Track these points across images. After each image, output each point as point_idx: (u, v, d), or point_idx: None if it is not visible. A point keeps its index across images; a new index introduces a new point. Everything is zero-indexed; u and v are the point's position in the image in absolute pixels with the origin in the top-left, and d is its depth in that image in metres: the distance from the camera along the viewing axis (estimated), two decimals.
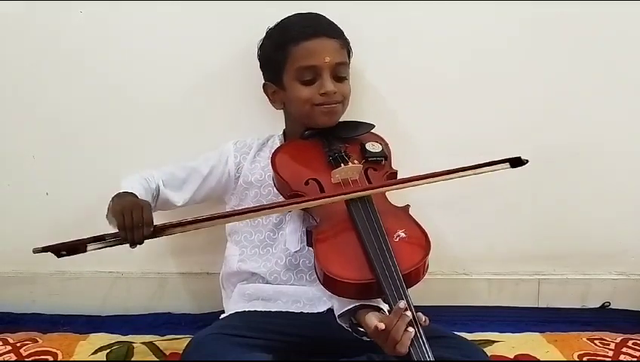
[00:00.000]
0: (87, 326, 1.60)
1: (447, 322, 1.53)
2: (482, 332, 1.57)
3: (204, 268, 1.68)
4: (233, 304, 1.42)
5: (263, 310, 1.35)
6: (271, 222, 1.42)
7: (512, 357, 1.46)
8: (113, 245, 1.18)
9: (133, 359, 1.45)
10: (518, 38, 1.59)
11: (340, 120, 1.45)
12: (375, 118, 1.48)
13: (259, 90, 1.49)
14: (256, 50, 1.48)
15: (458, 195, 1.61)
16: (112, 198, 1.30)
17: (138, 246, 1.19)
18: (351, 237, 1.24)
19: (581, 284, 1.72)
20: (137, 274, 1.69)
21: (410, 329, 1.09)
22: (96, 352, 1.46)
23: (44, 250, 1.15)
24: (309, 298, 1.36)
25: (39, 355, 1.45)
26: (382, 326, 1.11)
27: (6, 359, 1.43)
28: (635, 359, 1.46)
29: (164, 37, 1.56)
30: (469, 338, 1.40)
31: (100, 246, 1.17)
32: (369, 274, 1.18)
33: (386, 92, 1.60)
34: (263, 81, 1.48)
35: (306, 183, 1.34)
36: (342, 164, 1.34)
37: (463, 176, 1.32)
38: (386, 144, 1.47)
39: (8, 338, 1.52)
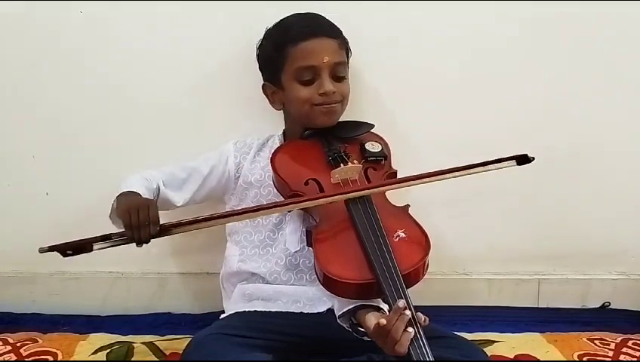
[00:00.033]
0: (87, 326, 1.60)
1: (447, 322, 1.53)
2: (482, 332, 1.57)
3: (204, 268, 1.68)
4: (233, 304, 1.42)
5: (262, 310, 1.36)
6: (271, 222, 1.42)
7: (512, 357, 1.46)
8: (119, 244, 1.18)
9: (133, 359, 1.45)
10: (518, 38, 1.59)
11: (340, 120, 1.45)
12: (375, 118, 1.48)
13: (259, 90, 1.49)
14: (255, 50, 1.48)
15: (458, 195, 1.61)
16: (117, 198, 1.30)
17: (144, 245, 1.19)
18: (350, 237, 1.24)
19: (581, 284, 1.72)
20: (137, 274, 1.69)
21: (410, 329, 1.09)
22: (96, 352, 1.46)
23: (51, 249, 1.14)
24: (309, 298, 1.36)
25: (39, 355, 1.45)
26: (383, 321, 1.11)
27: (6, 359, 1.43)
28: (635, 359, 1.46)
29: (164, 37, 1.56)
30: (469, 338, 1.40)
31: (106, 245, 1.17)
32: (368, 274, 1.18)
33: (386, 92, 1.60)
34: (262, 82, 1.48)
35: (306, 183, 1.34)
36: (341, 164, 1.34)
37: (469, 174, 1.32)
38: (386, 144, 1.47)
39: (8, 338, 1.52)
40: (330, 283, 1.20)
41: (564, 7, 1.56)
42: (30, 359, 1.43)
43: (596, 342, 1.53)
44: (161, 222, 1.20)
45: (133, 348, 1.49)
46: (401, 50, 1.58)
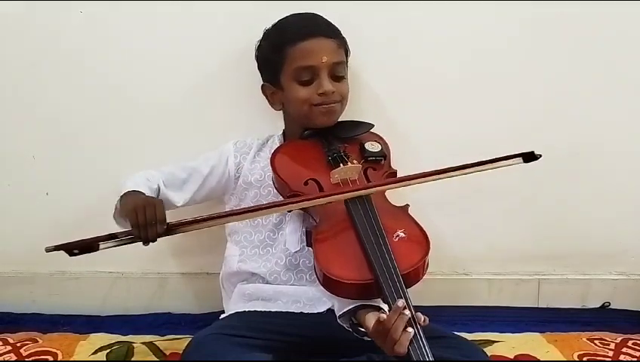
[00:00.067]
0: (87, 326, 1.60)
1: (447, 322, 1.53)
2: (482, 332, 1.57)
3: (204, 268, 1.68)
4: (233, 304, 1.42)
5: (262, 310, 1.35)
6: (271, 222, 1.42)
7: (512, 357, 1.46)
8: (126, 243, 1.18)
9: (133, 359, 1.45)
10: (518, 38, 1.59)
11: (339, 119, 1.45)
12: (375, 118, 1.48)
13: (259, 90, 1.49)
14: (254, 51, 1.48)
15: (458, 195, 1.61)
16: (121, 198, 1.30)
17: (150, 243, 1.19)
18: (350, 237, 1.24)
19: (581, 284, 1.72)
20: (137, 274, 1.69)
21: (409, 329, 1.09)
22: (96, 352, 1.46)
23: (57, 248, 1.14)
24: (309, 298, 1.36)
25: (39, 355, 1.45)
26: (383, 316, 1.11)
27: (6, 359, 1.43)
28: (635, 359, 1.46)
29: (164, 37, 1.56)
30: (469, 338, 1.40)
31: (113, 244, 1.16)
32: (368, 274, 1.18)
33: (386, 92, 1.60)
34: (262, 83, 1.48)
35: (306, 183, 1.34)
36: (341, 164, 1.34)
37: (475, 172, 1.31)
38: (386, 143, 1.47)
39: (8, 338, 1.52)
40: (329, 284, 1.20)
41: (564, 7, 1.56)
42: (30, 359, 1.43)
43: (596, 342, 1.53)
44: (174, 220, 1.20)
45: (133, 348, 1.48)
46: (401, 50, 1.58)
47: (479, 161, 1.31)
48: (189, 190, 1.46)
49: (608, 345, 1.51)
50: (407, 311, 1.09)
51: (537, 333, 1.57)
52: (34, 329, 1.57)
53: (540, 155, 1.33)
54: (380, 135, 1.48)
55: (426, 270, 1.23)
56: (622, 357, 1.46)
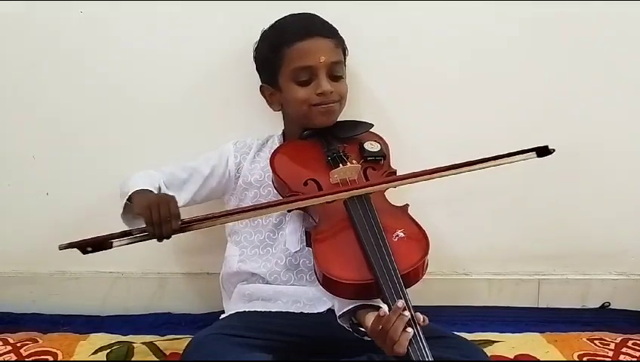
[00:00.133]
0: (87, 326, 1.60)
1: (447, 322, 1.53)
2: (482, 332, 1.57)
3: (204, 268, 1.68)
4: (233, 304, 1.42)
5: (262, 310, 1.36)
6: (271, 222, 1.42)
7: (512, 357, 1.46)
8: (140, 241, 1.18)
9: (133, 359, 1.45)
10: (518, 38, 1.59)
11: (339, 119, 1.45)
12: (375, 118, 1.48)
13: (258, 90, 1.49)
14: (252, 52, 1.48)
15: (458, 195, 1.61)
16: (131, 197, 1.30)
17: (165, 240, 1.19)
18: (350, 237, 1.24)
19: (581, 284, 1.72)
20: (137, 274, 1.69)
21: (409, 329, 1.09)
22: (96, 352, 1.46)
23: (70, 246, 1.13)
24: (309, 298, 1.36)
25: (39, 355, 1.45)
26: (384, 311, 1.11)
27: (6, 359, 1.43)
28: (635, 359, 1.46)
29: (164, 37, 1.56)
30: (469, 338, 1.40)
31: (127, 241, 1.17)
32: (368, 274, 1.18)
33: (386, 92, 1.60)
34: (260, 84, 1.48)
35: (305, 184, 1.34)
36: (340, 165, 1.34)
37: (488, 167, 1.30)
38: (385, 143, 1.47)
39: (8, 338, 1.52)
40: (329, 284, 1.20)
41: (564, 7, 1.56)
42: (30, 359, 1.43)
43: (596, 342, 1.53)
44: (188, 217, 1.21)
45: (134, 348, 1.49)
46: (401, 50, 1.58)
47: (492, 156, 1.30)
48: (189, 190, 1.46)
49: (608, 345, 1.51)
50: (406, 312, 1.09)
51: (537, 333, 1.58)
52: (34, 329, 1.57)
53: (554, 150, 1.33)
54: (380, 135, 1.48)
55: (426, 270, 1.23)
56: (622, 357, 1.46)
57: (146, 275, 1.69)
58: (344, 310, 1.22)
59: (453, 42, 1.58)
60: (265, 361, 1.19)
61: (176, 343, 1.50)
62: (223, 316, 1.41)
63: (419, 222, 1.28)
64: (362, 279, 1.18)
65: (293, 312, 1.35)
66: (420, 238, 1.25)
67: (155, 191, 1.34)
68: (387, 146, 1.46)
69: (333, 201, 1.29)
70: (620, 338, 1.55)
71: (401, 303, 1.10)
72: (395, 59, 1.58)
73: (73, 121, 1.61)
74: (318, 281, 1.24)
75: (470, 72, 1.60)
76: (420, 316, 1.11)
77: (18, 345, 1.49)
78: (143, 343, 1.50)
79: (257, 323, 1.30)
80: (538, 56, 1.60)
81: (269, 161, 1.40)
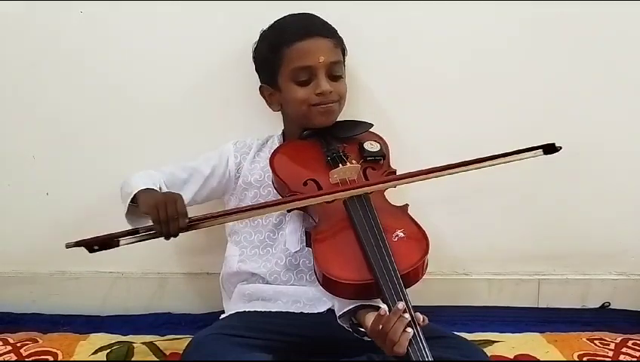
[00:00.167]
0: (87, 326, 1.60)
1: (447, 322, 1.53)
2: (482, 332, 1.57)
3: (204, 268, 1.68)
4: (233, 304, 1.42)
5: (262, 310, 1.36)
6: (271, 222, 1.42)
7: (512, 357, 1.46)
8: (147, 239, 1.18)
9: (133, 359, 1.45)
10: (518, 38, 1.59)
11: (338, 119, 1.45)
12: (375, 118, 1.48)
13: (258, 90, 1.49)
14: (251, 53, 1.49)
15: (458, 195, 1.61)
16: (136, 196, 1.29)
17: (172, 238, 1.19)
18: (349, 237, 1.24)
19: (581, 284, 1.72)
20: (137, 274, 1.69)
21: (409, 329, 1.09)
22: (96, 352, 1.46)
23: (77, 244, 1.13)
24: (309, 298, 1.36)
25: (39, 355, 1.45)
26: (384, 309, 1.11)
27: (6, 359, 1.43)
28: (635, 359, 1.46)
29: (164, 37, 1.56)
30: (469, 338, 1.39)
31: (134, 240, 1.17)
32: (367, 274, 1.18)
33: (386, 92, 1.60)
34: (260, 84, 1.48)
35: (305, 184, 1.34)
36: (340, 165, 1.34)
37: (493, 165, 1.30)
38: (385, 143, 1.47)
39: (8, 338, 1.52)
40: (329, 284, 1.20)
41: (564, 7, 1.56)
42: (30, 359, 1.43)
43: (596, 342, 1.53)
44: (196, 215, 1.21)
45: (134, 348, 1.49)
46: (401, 50, 1.58)
47: (498, 153, 1.30)
48: (190, 190, 1.45)
49: (608, 345, 1.51)
50: (406, 314, 1.10)
51: (537, 333, 1.57)
52: (34, 329, 1.57)
53: (561, 147, 1.32)
54: (380, 134, 1.48)
55: (426, 270, 1.23)
56: (622, 357, 1.46)
57: (146, 275, 1.69)
58: (344, 310, 1.22)
59: (453, 42, 1.58)
60: (265, 361, 1.19)
61: (176, 343, 1.50)
62: (223, 316, 1.41)
63: (419, 222, 1.28)
64: (362, 279, 1.18)
65: (293, 312, 1.35)
66: (419, 238, 1.25)
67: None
68: (387, 146, 1.46)
69: (333, 201, 1.30)
70: (619, 338, 1.55)
71: (401, 305, 1.10)
72: (395, 59, 1.58)
73: (73, 121, 1.61)
74: (318, 281, 1.24)
75: (470, 72, 1.60)
76: (420, 316, 1.11)
77: (18, 345, 1.49)
78: (143, 343, 1.50)
79: (257, 323, 1.30)
80: (538, 56, 1.60)
81: (268, 161, 1.40)
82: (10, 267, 1.68)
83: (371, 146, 1.42)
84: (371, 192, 1.30)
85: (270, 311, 1.35)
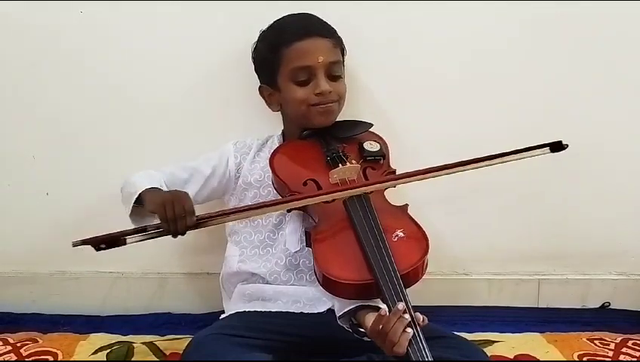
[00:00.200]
0: (87, 326, 1.60)
1: (447, 322, 1.53)
2: (482, 332, 1.57)
3: (204, 268, 1.68)
4: (233, 304, 1.42)
5: (262, 310, 1.35)
6: (271, 222, 1.42)
7: (512, 357, 1.46)
8: (154, 237, 1.18)
9: (133, 359, 1.45)
10: (518, 38, 1.59)
11: (338, 119, 1.45)
12: (375, 119, 1.48)
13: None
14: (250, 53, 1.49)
15: (458, 195, 1.61)
16: (141, 196, 1.29)
17: (180, 236, 1.19)
18: (349, 237, 1.24)
19: (581, 284, 1.72)
20: (137, 274, 1.69)
21: (409, 329, 1.09)
22: (96, 352, 1.46)
23: (84, 243, 1.13)
24: (309, 298, 1.36)
25: (39, 355, 1.45)
26: (384, 311, 1.11)
27: (6, 359, 1.43)
28: (635, 359, 1.46)
29: (164, 37, 1.56)
30: (469, 338, 1.39)
31: (141, 238, 1.17)
32: (367, 274, 1.18)
33: (386, 92, 1.60)
34: (259, 84, 1.48)
35: (304, 184, 1.34)
36: (340, 165, 1.34)
37: (500, 163, 1.30)
38: (385, 143, 1.46)
39: (8, 338, 1.52)
40: (329, 284, 1.20)
41: (564, 7, 1.56)
42: (30, 359, 1.43)
43: (596, 342, 1.53)
44: (203, 213, 1.21)
45: (134, 348, 1.49)
46: (401, 50, 1.58)
47: (505, 151, 1.30)
48: (190, 190, 1.44)
49: (608, 345, 1.51)
50: (406, 315, 1.10)
51: (537, 333, 1.57)
52: (34, 329, 1.57)
53: (568, 145, 1.32)
54: (379, 134, 1.48)
55: (426, 270, 1.23)
56: (622, 357, 1.46)
57: (146, 275, 1.69)
58: (344, 311, 1.22)
59: (453, 43, 1.59)
60: (265, 361, 1.19)
61: (176, 343, 1.50)
62: (223, 316, 1.41)
63: (418, 222, 1.28)
64: (362, 279, 1.18)
65: (293, 312, 1.35)
66: (419, 238, 1.25)
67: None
68: (387, 146, 1.46)
69: (332, 201, 1.30)
70: (620, 338, 1.55)
71: (401, 305, 1.10)
72: (395, 60, 1.58)
73: (73, 121, 1.61)
74: (318, 281, 1.24)
75: (470, 73, 1.60)
76: (420, 316, 1.11)
77: (18, 345, 1.49)
78: (143, 343, 1.50)
79: (257, 323, 1.30)
80: (538, 56, 1.60)
81: (268, 161, 1.40)
82: (10, 267, 1.68)
83: (371, 146, 1.42)
84: (371, 192, 1.30)
85: (270, 311, 1.35)
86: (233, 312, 1.38)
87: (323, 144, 1.42)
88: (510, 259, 1.71)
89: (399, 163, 1.43)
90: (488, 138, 1.57)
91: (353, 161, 1.36)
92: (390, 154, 1.45)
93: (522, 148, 1.31)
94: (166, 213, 1.18)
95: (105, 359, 1.44)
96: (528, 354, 1.46)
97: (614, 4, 1.56)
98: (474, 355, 1.26)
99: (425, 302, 1.31)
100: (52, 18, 1.55)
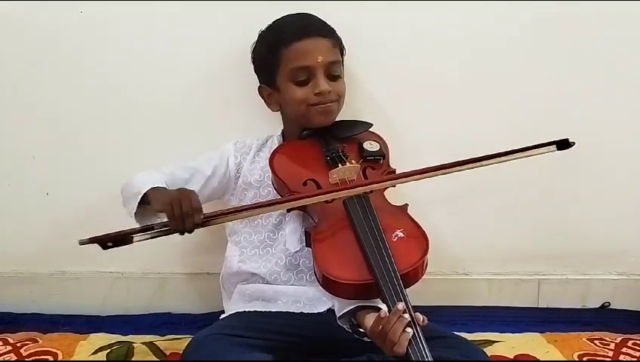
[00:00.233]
0: (87, 326, 1.60)
1: (447, 322, 1.53)
2: (482, 332, 1.57)
3: (204, 268, 1.68)
4: (233, 304, 1.42)
5: (262, 310, 1.36)
6: (270, 222, 1.42)
7: (512, 357, 1.46)
8: (161, 235, 1.18)
9: (133, 359, 1.45)
10: (518, 38, 1.59)
11: (338, 119, 1.45)
12: (375, 118, 1.48)
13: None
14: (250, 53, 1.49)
15: (458, 195, 1.61)
16: (146, 195, 1.29)
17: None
18: (349, 237, 1.24)
19: (581, 284, 1.72)
20: (137, 274, 1.69)
21: (409, 329, 1.09)
22: (96, 352, 1.46)
23: (91, 241, 1.13)
24: (309, 298, 1.36)
25: (39, 355, 1.45)
26: (384, 312, 1.11)
27: (6, 359, 1.43)
28: (635, 359, 1.46)
29: (164, 37, 1.56)
30: (469, 338, 1.39)
31: (148, 236, 1.17)
32: (367, 274, 1.18)
33: (386, 92, 1.60)
34: (259, 85, 1.48)
35: (304, 184, 1.34)
36: (340, 164, 1.34)
37: (507, 161, 1.30)
38: (384, 143, 1.46)
39: (8, 338, 1.52)
40: (328, 284, 1.20)
41: (564, 7, 1.56)
42: (30, 359, 1.43)
43: (596, 342, 1.53)
44: (210, 211, 1.21)
45: (134, 348, 1.49)
46: (400, 50, 1.58)
47: (512, 149, 1.30)
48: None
49: (608, 345, 1.51)
50: (406, 315, 1.09)
51: (537, 333, 1.58)
52: (34, 329, 1.57)
53: (574, 143, 1.32)
54: (379, 134, 1.48)
55: (425, 270, 1.23)
56: (622, 357, 1.46)
57: (146, 275, 1.69)
58: (344, 311, 1.22)
59: (453, 42, 1.59)
60: (265, 361, 1.19)
61: (176, 343, 1.50)
62: (223, 316, 1.41)
63: (418, 222, 1.28)
64: (362, 279, 1.18)
65: (293, 312, 1.35)
66: (419, 238, 1.25)
67: None
68: (386, 146, 1.46)
69: (332, 201, 1.30)
70: (620, 338, 1.55)
71: (401, 306, 1.10)
72: (394, 59, 1.58)
73: (73, 121, 1.61)
74: (318, 282, 1.24)
75: (470, 72, 1.60)
76: (420, 316, 1.11)
77: (18, 345, 1.49)
78: (143, 343, 1.50)
79: (257, 323, 1.30)
80: (538, 56, 1.60)
81: (268, 161, 1.40)
82: (10, 267, 1.68)
83: (371, 146, 1.42)
84: (371, 192, 1.30)
85: (270, 311, 1.35)
86: (233, 312, 1.38)
87: (323, 144, 1.42)
88: (510, 259, 1.71)
89: (399, 163, 1.43)
90: (488, 138, 1.57)
91: (353, 161, 1.36)
92: (390, 154, 1.45)
93: (529, 145, 1.31)
94: (174, 211, 1.18)
95: (105, 359, 1.44)
96: (528, 354, 1.46)
97: (614, 4, 1.56)
98: (474, 355, 1.26)
99: (425, 302, 1.31)
100: (52, 18, 1.55)
